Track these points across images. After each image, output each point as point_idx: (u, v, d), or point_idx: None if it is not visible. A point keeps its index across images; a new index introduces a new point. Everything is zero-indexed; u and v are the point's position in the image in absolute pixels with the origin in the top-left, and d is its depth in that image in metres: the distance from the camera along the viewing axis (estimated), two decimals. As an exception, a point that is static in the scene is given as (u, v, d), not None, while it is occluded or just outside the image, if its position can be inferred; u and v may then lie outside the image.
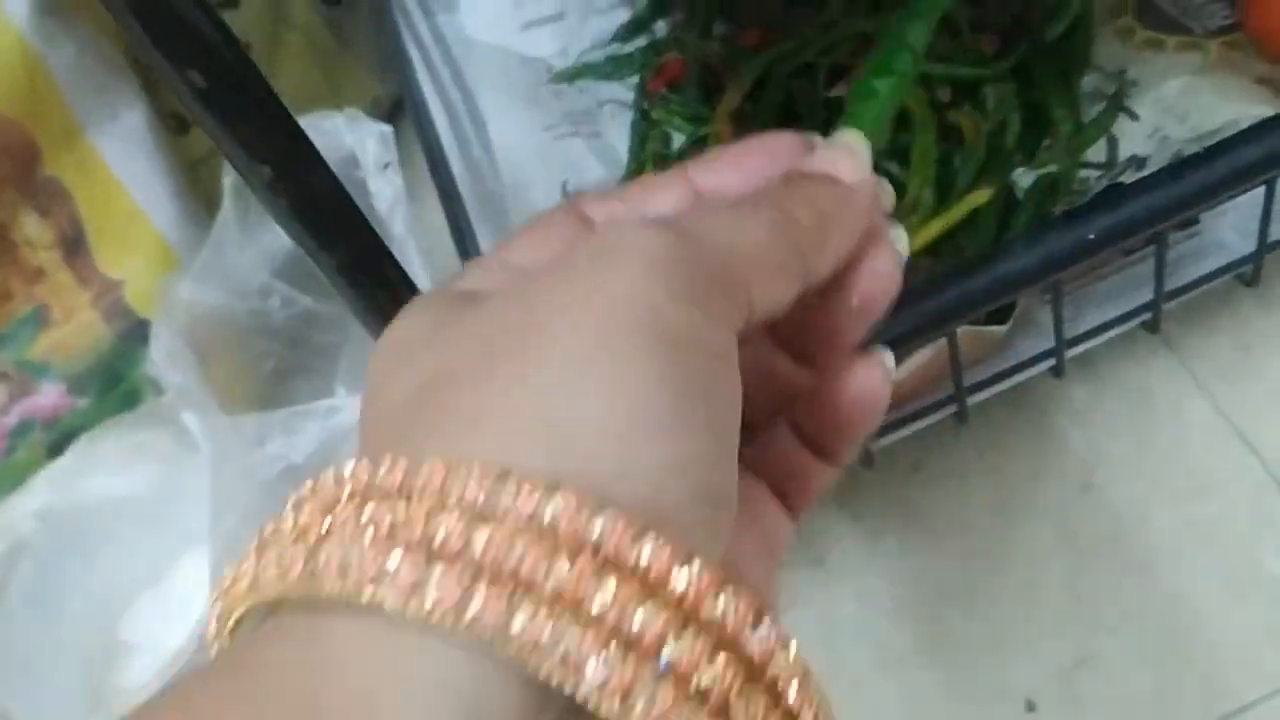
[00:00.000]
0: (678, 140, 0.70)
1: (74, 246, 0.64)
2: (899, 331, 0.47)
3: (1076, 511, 0.63)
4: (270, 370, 0.60)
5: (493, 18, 0.78)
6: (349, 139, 0.58)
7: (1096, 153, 0.63)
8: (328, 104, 0.83)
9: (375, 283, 0.35)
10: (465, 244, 0.64)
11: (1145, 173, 0.59)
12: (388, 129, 0.58)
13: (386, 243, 0.58)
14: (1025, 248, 0.46)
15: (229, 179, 0.61)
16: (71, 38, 0.60)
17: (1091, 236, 0.46)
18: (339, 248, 0.33)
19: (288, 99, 0.80)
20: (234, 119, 0.29)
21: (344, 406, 0.44)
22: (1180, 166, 0.47)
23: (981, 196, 0.57)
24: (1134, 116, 0.63)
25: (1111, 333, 0.58)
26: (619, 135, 0.72)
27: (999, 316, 0.54)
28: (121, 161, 0.64)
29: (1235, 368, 0.65)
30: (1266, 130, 0.47)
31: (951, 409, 0.57)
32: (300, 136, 0.31)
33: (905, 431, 0.58)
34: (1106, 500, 0.63)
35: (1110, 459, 0.64)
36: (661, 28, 0.76)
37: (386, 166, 0.57)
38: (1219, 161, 0.47)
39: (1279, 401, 0.64)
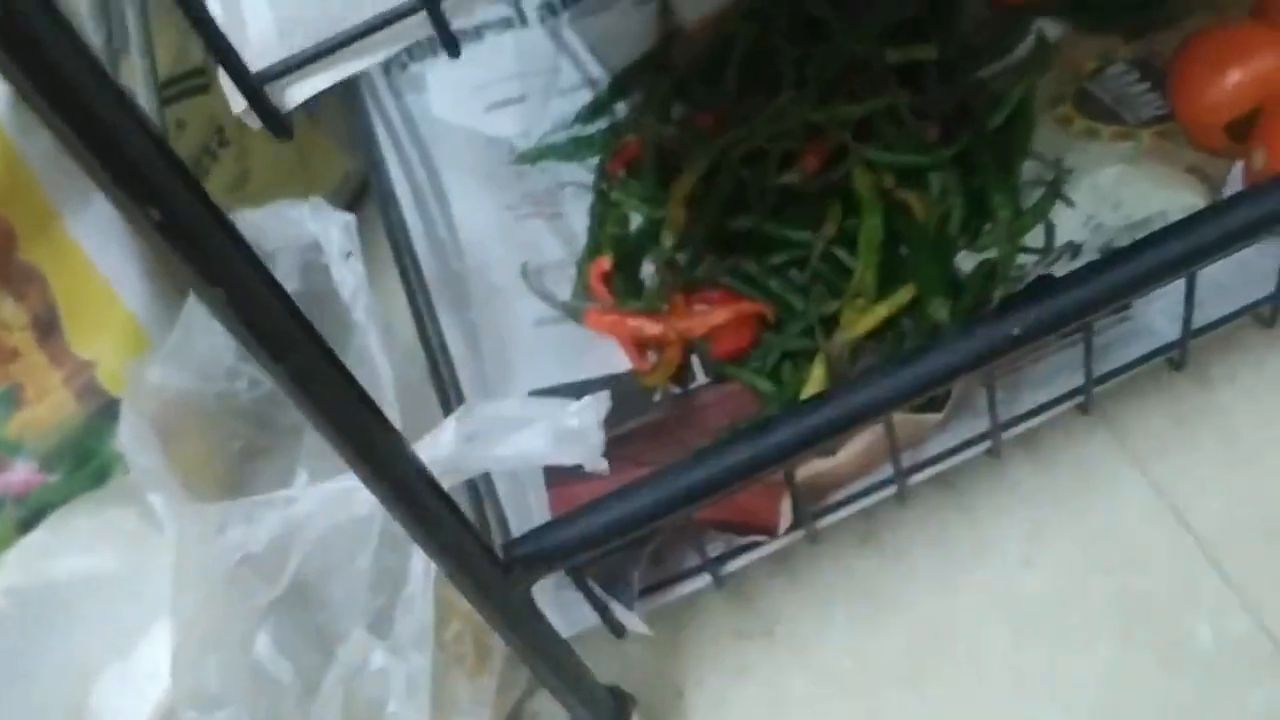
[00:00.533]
0: (636, 221, 0.72)
1: (47, 328, 0.66)
2: (835, 420, 0.49)
3: (1018, 586, 0.65)
4: (237, 451, 0.62)
5: (458, 99, 0.80)
6: (313, 227, 0.60)
7: (1035, 238, 0.66)
8: (299, 180, 0.86)
9: (326, 391, 0.37)
10: (426, 328, 0.66)
11: (1080, 260, 0.62)
12: (350, 218, 0.60)
13: (348, 329, 0.61)
14: (956, 340, 0.48)
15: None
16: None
17: (1017, 331, 0.48)
18: (289, 360, 0.35)
19: (260, 176, 0.83)
20: (189, 248, 0.31)
21: (301, 497, 0.46)
22: (1105, 262, 0.50)
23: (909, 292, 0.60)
24: (1070, 204, 0.66)
25: (1045, 415, 0.60)
26: (579, 216, 0.74)
27: (935, 402, 0.56)
28: (95, 245, 0.66)
29: (1169, 442, 0.67)
30: (1185, 227, 0.50)
31: (892, 489, 0.59)
32: (252, 260, 0.33)
33: (845, 512, 0.60)
34: (1046, 573, 0.65)
35: (1050, 533, 0.66)
36: (622, 109, 0.78)
37: (349, 255, 0.59)
38: (1142, 257, 0.49)
39: (1212, 477, 0.66)
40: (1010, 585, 0.65)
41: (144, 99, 0.33)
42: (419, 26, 0.32)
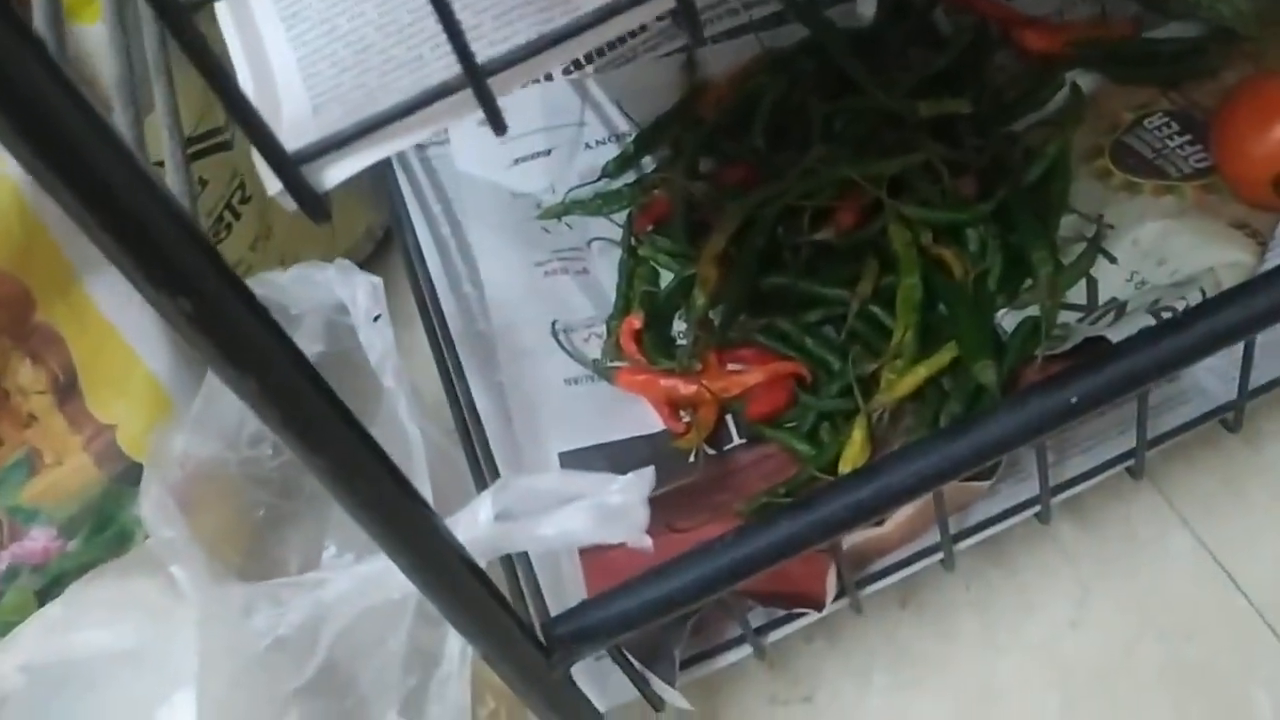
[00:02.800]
0: (666, 278, 0.71)
1: (66, 391, 0.64)
2: (884, 494, 0.47)
3: (1065, 648, 0.63)
4: (262, 519, 0.60)
5: (482, 153, 0.79)
6: (339, 289, 0.59)
7: (1077, 294, 0.64)
8: (322, 235, 0.85)
9: (366, 483, 0.35)
10: (454, 390, 0.64)
11: (1126, 318, 0.60)
12: (377, 281, 0.59)
13: (376, 392, 0.59)
14: (1010, 411, 0.47)
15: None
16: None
17: (1073, 400, 0.46)
18: (328, 452, 0.33)
19: (282, 231, 0.81)
20: (222, 339, 0.30)
21: (331, 578, 0.44)
22: (1162, 329, 0.48)
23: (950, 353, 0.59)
24: (1112, 259, 0.64)
25: (1095, 480, 0.58)
26: (607, 272, 0.73)
27: (985, 469, 0.54)
28: (114, 306, 0.65)
29: (1220, 504, 0.65)
30: (1244, 293, 0.48)
31: (938, 556, 0.57)
32: (288, 348, 0.31)
33: (891, 579, 0.58)
34: (1094, 637, 0.63)
35: (1098, 595, 0.64)
36: (649, 163, 0.77)
37: (377, 318, 0.58)
38: (1200, 324, 0.48)
39: (1264, 538, 0.64)
40: (1058, 649, 0.63)
41: (171, 170, 0.32)
42: (462, 103, 0.31)
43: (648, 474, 0.44)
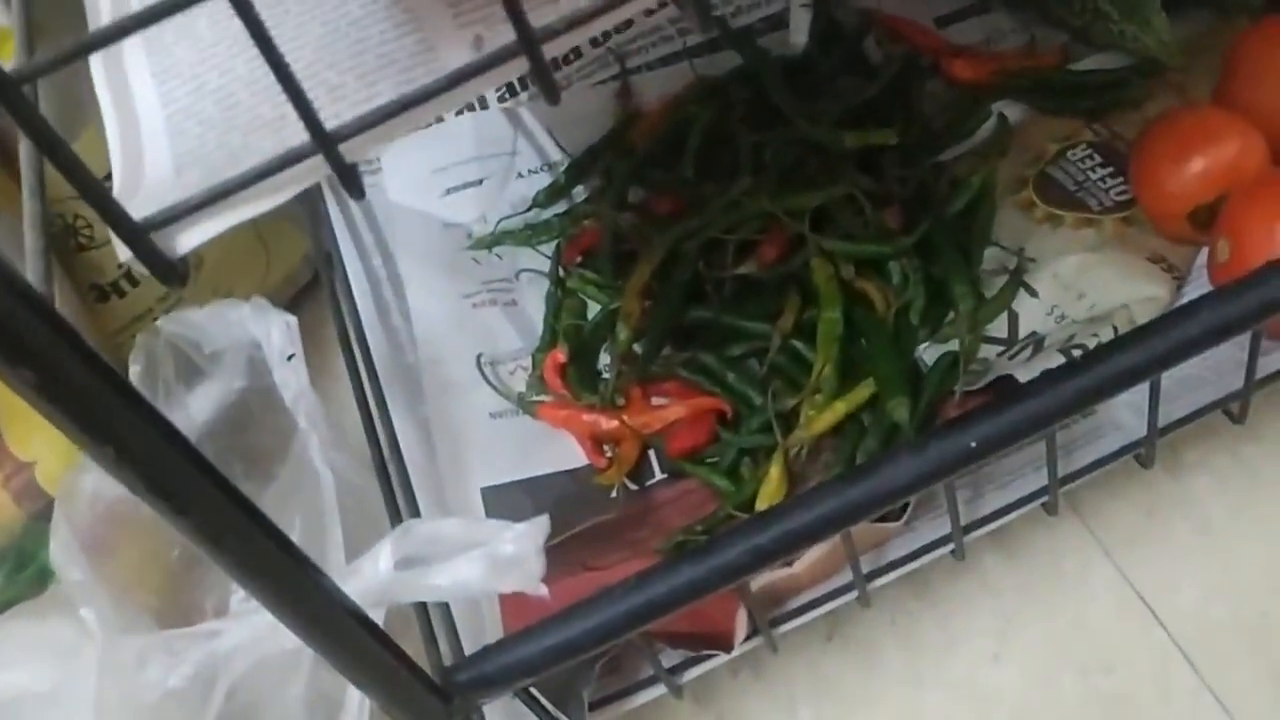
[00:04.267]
0: (594, 310, 0.71)
1: (-16, 430, 0.64)
2: (788, 537, 0.47)
3: (987, 681, 0.63)
4: (175, 559, 0.60)
5: (415, 183, 0.79)
6: (254, 328, 0.58)
7: (999, 327, 0.64)
8: (257, 260, 0.84)
9: (237, 542, 0.35)
10: (374, 424, 0.64)
11: (1042, 352, 0.60)
12: (292, 319, 0.58)
13: (291, 434, 0.59)
14: (912, 455, 0.47)
15: (135, 354, 0.62)
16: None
17: (974, 445, 0.46)
18: (192, 515, 0.33)
19: (215, 257, 0.81)
20: (70, 408, 0.29)
21: (226, 629, 0.44)
22: (1066, 370, 0.48)
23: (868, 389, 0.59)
24: (1033, 293, 0.64)
25: (1009, 517, 0.58)
26: (536, 304, 0.73)
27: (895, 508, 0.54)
28: (34, 341, 0.64)
29: (1142, 536, 0.65)
30: (1147, 333, 0.48)
31: (853, 594, 0.57)
32: (147, 413, 0.31)
33: (805, 618, 0.58)
34: (1016, 670, 0.63)
35: (1019, 627, 0.64)
36: (581, 193, 0.77)
37: (291, 357, 0.57)
38: (1104, 365, 0.48)
39: (1184, 570, 0.64)
40: (980, 682, 0.63)
41: (30, 242, 0.32)
42: (315, 168, 0.31)
43: (542, 522, 0.44)
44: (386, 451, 0.64)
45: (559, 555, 0.60)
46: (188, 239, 0.31)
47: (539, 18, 0.34)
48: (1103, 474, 0.64)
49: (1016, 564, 0.66)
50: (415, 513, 0.62)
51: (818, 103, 0.73)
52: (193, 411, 0.61)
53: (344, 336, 0.68)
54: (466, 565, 0.43)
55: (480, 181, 0.79)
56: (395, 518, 0.59)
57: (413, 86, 0.32)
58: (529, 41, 0.30)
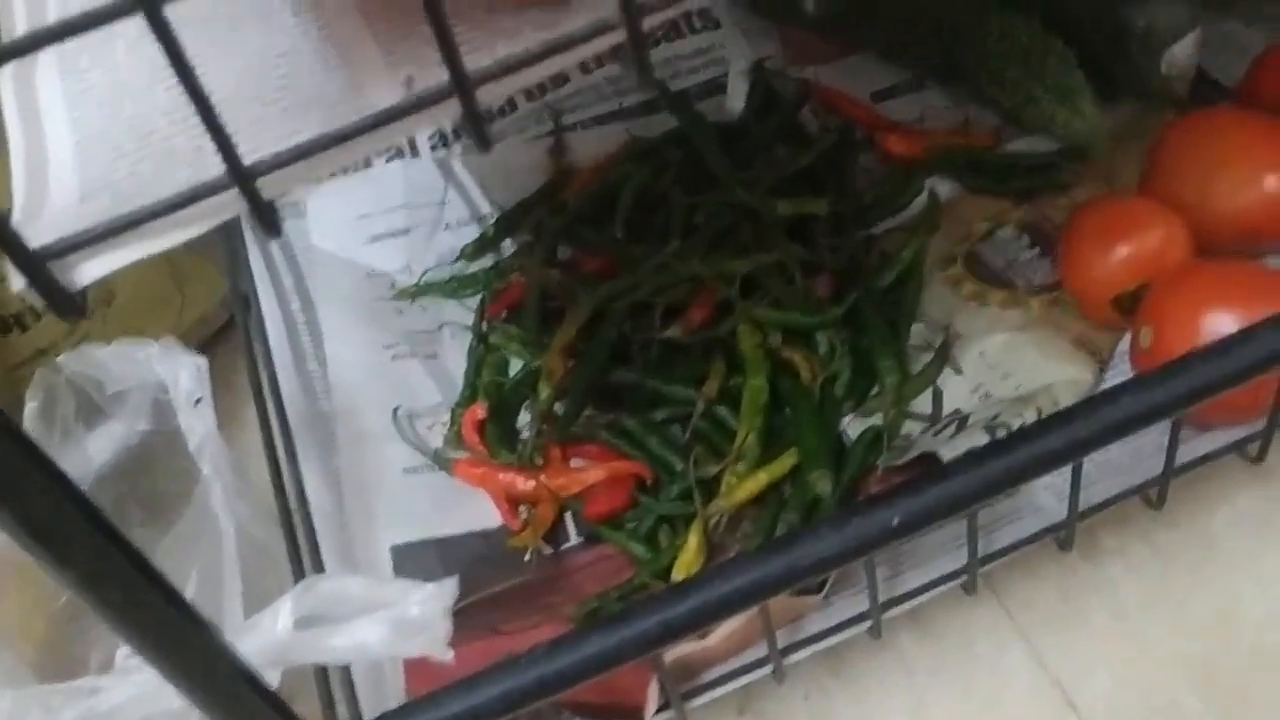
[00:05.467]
0: (516, 367, 0.69)
1: None
2: (702, 609, 0.46)
3: (901, 762, 0.62)
4: (61, 608, 0.57)
5: (340, 228, 0.77)
6: (161, 370, 0.56)
7: (923, 403, 0.64)
8: (171, 299, 0.82)
9: (123, 595, 0.33)
10: (282, 474, 0.62)
11: (965, 431, 0.60)
12: (202, 362, 0.56)
13: (195, 480, 0.57)
14: (832, 530, 0.46)
15: (33, 390, 0.59)
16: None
17: (896, 522, 0.46)
18: (76, 566, 0.31)
19: (127, 293, 0.78)
20: None
21: (107, 686, 0.41)
22: (988, 451, 0.48)
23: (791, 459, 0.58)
24: (959, 370, 0.64)
25: (927, 596, 0.58)
26: (457, 358, 0.71)
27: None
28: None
29: (1058, 619, 0.65)
30: (1069, 418, 0.48)
31: (768, 669, 0.56)
32: (28, 454, 0.29)
33: (719, 691, 0.57)
34: (931, 751, 0.62)
35: (933, 707, 0.63)
36: (508, 247, 0.76)
37: (198, 402, 0.55)
38: (1025, 448, 0.47)
39: (1099, 655, 0.64)
40: (893, 762, 0.62)
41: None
42: (230, 203, 0.29)
43: (451, 584, 0.42)
44: (293, 503, 0.62)
45: (468, 618, 0.59)
46: (89, 270, 0.29)
47: (474, 62, 0.33)
48: (1021, 555, 0.63)
49: (933, 643, 0.65)
50: (320, 569, 0.60)
51: (752, 169, 0.73)
52: (91, 452, 0.58)
53: (256, 382, 0.66)
54: (370, 627, 0.41)
55: (407, 230, 0.77)
56: (299, 573, 0.57)
57: (338, 125, 0.31)
58: (462, 84, 0.28)
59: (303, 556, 0.58)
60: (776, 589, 0.46)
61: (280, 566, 0.58)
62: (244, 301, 0.74)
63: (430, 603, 0.42)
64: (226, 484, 0.55)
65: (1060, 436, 0.47)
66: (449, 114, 0.30)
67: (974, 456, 0.47)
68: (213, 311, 0.87)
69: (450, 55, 0.28)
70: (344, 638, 0.41)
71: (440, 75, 0.29)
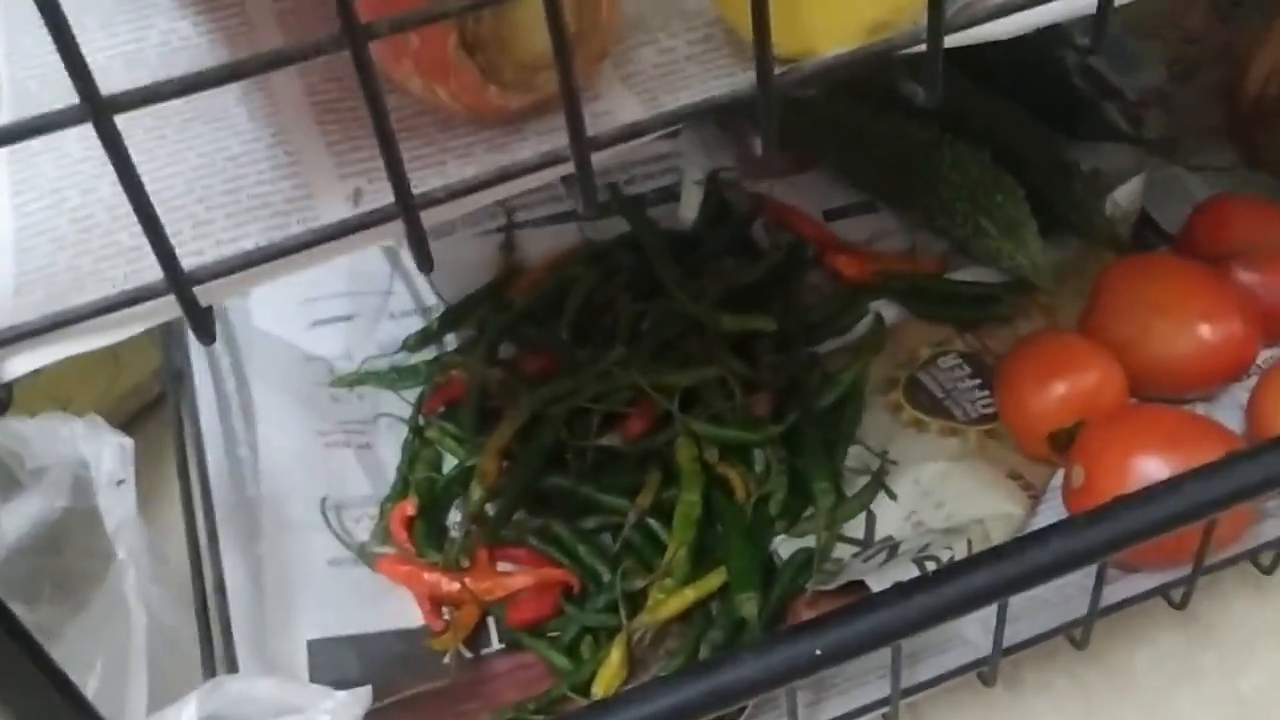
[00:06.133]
0: (451, 464, 0.69)
1: None
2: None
3: None
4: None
5: (281, 310, 0.77)
6: (84, 448, 0.55)
7: (856, 528, 0.64)
8: (103, 367, 0.80)
9: (16, 694, 0.32)
10: (200, 559, 0.60)
11: (896, 559, 0.60)
12: (127, 442, 0.55)
13: (110, 561, 0.55)
14: (754, 657, 0.45)
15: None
16: None
17: (818, 652, 0.45)
18: None
19: (55, 365, 0.77)
20: None
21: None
22: (914, 585, 0.47)
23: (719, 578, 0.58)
24: (893, 496, 0.64)
25: (849, 725, 0.57)
26: (391, 450, 0.70)
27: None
28: None
29: (979, 753, 0.65)
30: (998, 558, 0.48)
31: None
32: None
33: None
34: None
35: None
36: (452, 341, 0.76)
37: (120, 483, 0.54)
38: (952, 584, 0.47)
39: (1017, 791, 0.64)
40: None
41: None
42: (166, 307, 0.29)
43: (364, 693, 0.41)
44: (210, 590, 0.61)
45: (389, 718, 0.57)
46: (17, 365, 0.29)
47: (423, 179, 0.33)
48: (947, 687, 0.63)
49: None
50: (233, 660, 0.58)
51: (700, 280, 0.73)
52: (5, 527, 0.57)
53: (183, 462, 0.65)
54: (275, 737, 0.40)
55: (350, 317, 0.77)
56: (209, 665, 0.56)
57: (283, 234, 0.31)
58: (408, 207, 0.28)
59: (214, 648, 0.56)
60: (695, 715, 0.45)
61: (191, 657, 0.56)
62: (177, 377, 0.73)
63: (341, 713, 0.41)
64: (142, 569, 0.53)
65: (987, 575, 0.47)
66: (394, 233, 0.30)
67: (901, 590, 0.47)
68: (146, 384, 0.85)
69: (397, 178, 0.28)
70: (248, 746, 0.40)
71: (388, 190, 0.29)
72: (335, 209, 0.32)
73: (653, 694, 0.45)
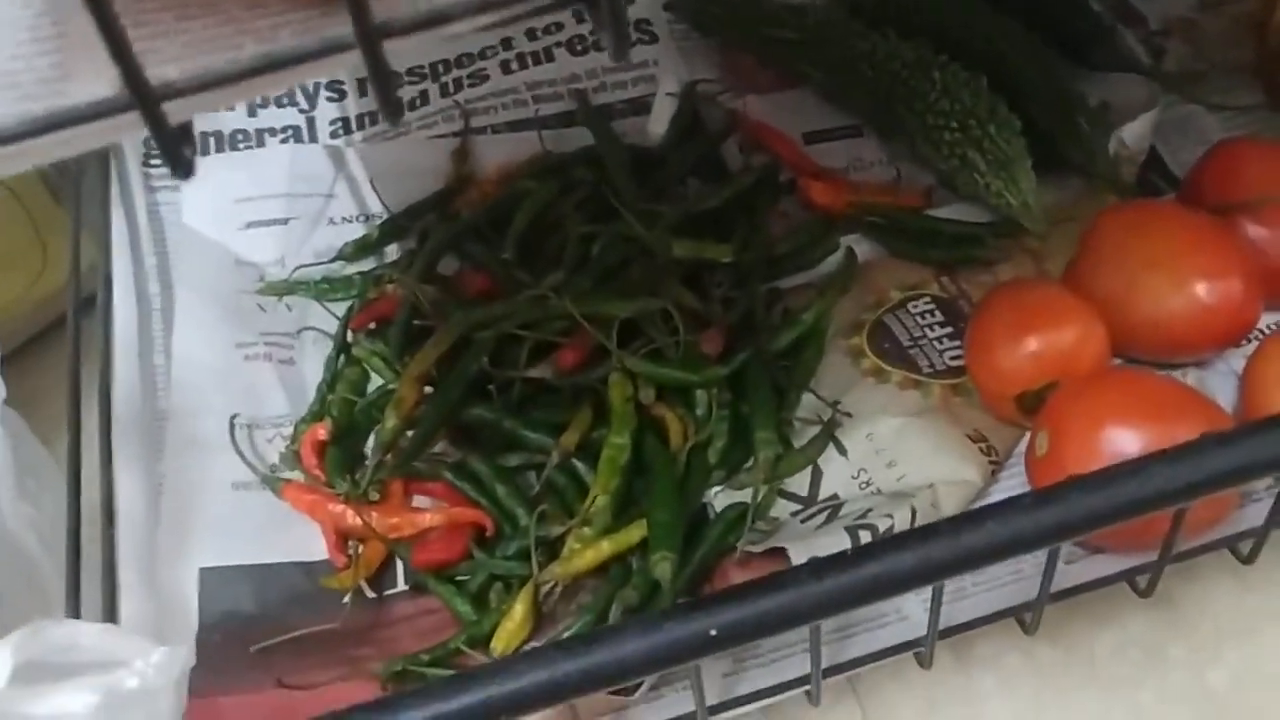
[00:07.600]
0: (375, 384, 0.64)
1: None
2: (493, 703, 0.40)
3: None
4: None
5: (215, 208, 0.71)
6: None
7: (799, 483, 0.59)
8: (32, 259, 0.76)
9: None
10: (79, 475, 0.56)
11: (833, 522, 0.55)
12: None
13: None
14: (640, 636, 0.40)
15: None
16: None
17: (713, 633, 0.40)
18: None
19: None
20: None
21: None
22: (834, 562, 0.42)
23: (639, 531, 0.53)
24: (843, 451, 0.59)
25: (766, 701, 0.52)
26: (315, 368, 0.65)
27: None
28: None
29: (919, 729, 0.60)
30: (929, 538, 0.43)
31: (580, 765, 0.50)
32: None
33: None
34: None
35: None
36: (393, 252, 0.70)
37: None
38: (878, 562, 0.42)
39: (959, 774, 0.59)
40: None
41: None
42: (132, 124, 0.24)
43: (183, 651, 0.37)
44: (100, 512, 0.56)
45: (258, 661, 0.53)
46: None
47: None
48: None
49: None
50: (113, 590, 0.54)
51: (660, 202, 0.67)
52: None
53: (75, 370, 0.60)
54: (75, 696, 0.36)
55: (286, 220, 0.71)
56: (74, 599, 0.51)
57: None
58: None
59: (80, 580, 0.52)
60: (570, 693, 0.40)
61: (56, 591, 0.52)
62: (106, 280, 0.67)
63: (152, 674, 0.36)
64: (4, 482, 0.49)
65: (913, 557, 0.42)
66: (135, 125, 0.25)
67: (813, 569, 0.42)
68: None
69: (125, 64, 0.22)
70: (45, 705, 0.36)
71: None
72: (91, 94, 0.26)
73: (530, 666, 0.41)
